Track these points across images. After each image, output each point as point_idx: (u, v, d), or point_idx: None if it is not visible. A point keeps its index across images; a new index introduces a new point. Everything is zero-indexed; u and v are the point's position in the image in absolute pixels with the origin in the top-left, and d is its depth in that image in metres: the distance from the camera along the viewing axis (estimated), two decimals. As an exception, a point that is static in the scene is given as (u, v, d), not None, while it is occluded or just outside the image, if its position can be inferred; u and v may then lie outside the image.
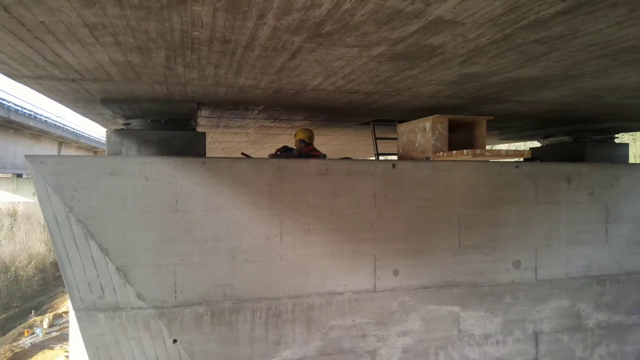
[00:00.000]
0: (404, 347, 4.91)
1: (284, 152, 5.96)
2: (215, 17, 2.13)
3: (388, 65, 3.12)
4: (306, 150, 6.10)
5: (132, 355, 4.24)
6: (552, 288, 5.39)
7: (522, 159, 5.75)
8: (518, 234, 5.26)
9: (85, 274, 4.09)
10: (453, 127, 5.33)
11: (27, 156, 4.08)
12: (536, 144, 8.17)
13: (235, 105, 5.06)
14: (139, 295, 4.19)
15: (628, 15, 2.09)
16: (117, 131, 5.23)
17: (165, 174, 4.29)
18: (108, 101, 4.67)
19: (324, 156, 6.18)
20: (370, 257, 4.80)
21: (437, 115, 4.92)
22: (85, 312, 4.13)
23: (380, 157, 6.15)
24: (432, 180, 4.99)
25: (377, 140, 6.44)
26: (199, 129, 7.61)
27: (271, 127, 7.30)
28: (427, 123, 4.96)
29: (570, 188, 5.45)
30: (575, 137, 6.91)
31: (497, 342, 5.22)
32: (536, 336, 5.35)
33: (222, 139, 10.11)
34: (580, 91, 3.99)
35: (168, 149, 5.13)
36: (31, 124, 15.82)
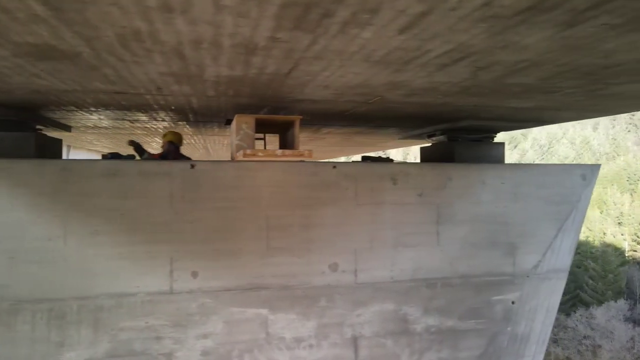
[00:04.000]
0: (203, 349, 4.85)
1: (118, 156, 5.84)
2: None
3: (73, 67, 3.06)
4: (175, 155, 6.02)
5: None
6: (375, 291, 5.25)
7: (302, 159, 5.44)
8: (336, 236, 5.13)
9: None
10: (277, 127, 5.27)
11: None
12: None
13: (56, 106, 5.00)
14: None
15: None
16: None
17: (-63, 175, 4.30)
18: None
19: (188, 159, 6.13)
20: (167, 259, 4.74)
21: (239, 115, 4.84)
22: None
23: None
24: (236, 181, 4.89)
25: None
26: (76, 131, 7.64)
27: (146, 127, 7.28)
28: (234, 123, 4.89)
29: (396, 189, 5.30)
30: (449, 136, 6.72)
31: (311, 346, 5.11)
32: (356, 340, 5.22)
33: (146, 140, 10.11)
34: (348, 90, 3.86)
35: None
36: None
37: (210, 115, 5.99)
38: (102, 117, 5.99)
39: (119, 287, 4.64)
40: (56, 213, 4.49)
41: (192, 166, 4.82)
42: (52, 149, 5.96)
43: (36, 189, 4.46)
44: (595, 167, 5.89)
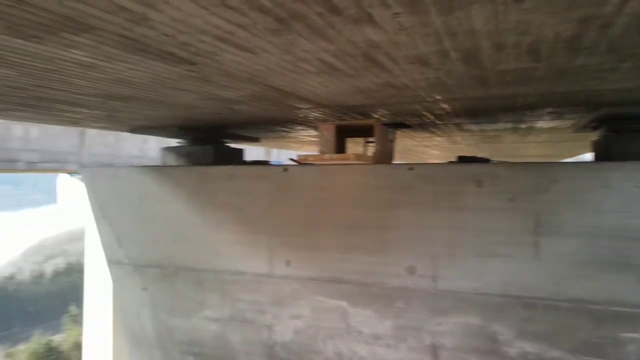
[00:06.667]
0: (295, 328, 5.61)
1: None
2: None
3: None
4: None
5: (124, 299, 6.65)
6: (456, 301, 4.88)
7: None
8: (412, 239, 5.04)
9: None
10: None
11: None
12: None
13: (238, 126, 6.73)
14: (128, 256, 6.55)
15: None
16: (163, 148, 7.74)
17: (134, 178, 6.49)
18: (136, 130, 7.20)
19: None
20: (267, 247, 5.72)
21: (322, 123, 5.40)
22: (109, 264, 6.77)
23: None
24: (319, 183, 5.44)
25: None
26: (264, 141, 9.48)
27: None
28: (319, 131, 5.48)
29: (480, 192, 4.76)
30: (610, 127, 5.42)
31: (388, 345, 5.18)
32: (435, 349, 4.98)
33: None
34: (371, 94, 4.01)
35: (193, 159, 7.27)
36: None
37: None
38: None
39: (235, 266, 5.90)
40: (198, 206, 6.09)
41: (285, 169, 5.64)
42: (230, 157, 7.79)
43: (187, 188, 6.16)
44: None
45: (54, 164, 9.31)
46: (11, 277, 76.04)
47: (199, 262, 6.10)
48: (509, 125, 6.48)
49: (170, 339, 6.30)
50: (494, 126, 6.48)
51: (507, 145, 10.03)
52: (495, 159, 6.26)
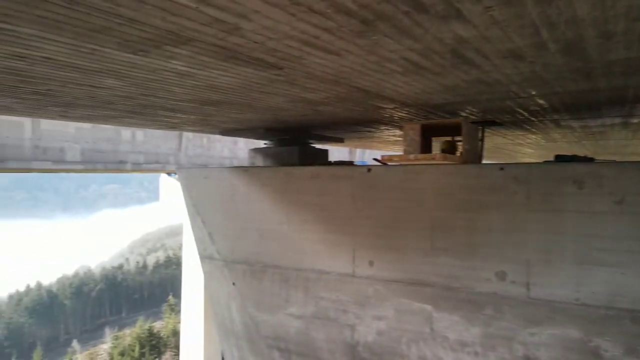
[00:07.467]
0: (378, 330, 5.57)
1: None
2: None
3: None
4: None
5: (216, 290, 7.05)
6: (553, 312, 4.52)
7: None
8: (503, 243, 4.76)
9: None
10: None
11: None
12: None
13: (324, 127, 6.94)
14: (219, 252, 6.95)
15: None
16: (251, 149, 8.12)
17: (224, 178, 6.84)
18: (227, 132, 7.61)
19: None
20: (350, 247, 5.75)
21: (408, 123, 5.32)
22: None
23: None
24: (403, 183, 5.34)
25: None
26: (348, 142, 9.52)
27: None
28: (404, 130, 5.40)
29: (582, 194, 4.36)
30: None
31: (476, 353, 4.94)
32: (529, 362, 4.66)
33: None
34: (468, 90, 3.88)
35: (279, 160, 7.57)
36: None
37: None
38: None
39: (319, 265, 6.00)
40: (283, 205, 6.28)
41: (369, 170, 5.61)
42: (315, 157, 7.95)
43: (272, 187, 6.38)
44: None
45: (156, 164, 10.13)
46: (120, 267, 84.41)
47: (284, 260, 6.29)
48: (617, 120, 5.88)
49: (257, 333, 6.58)
50: (598, 122, 5.92)
51: (614, 142, 9.11)
52: (599, 157, 5.75)
